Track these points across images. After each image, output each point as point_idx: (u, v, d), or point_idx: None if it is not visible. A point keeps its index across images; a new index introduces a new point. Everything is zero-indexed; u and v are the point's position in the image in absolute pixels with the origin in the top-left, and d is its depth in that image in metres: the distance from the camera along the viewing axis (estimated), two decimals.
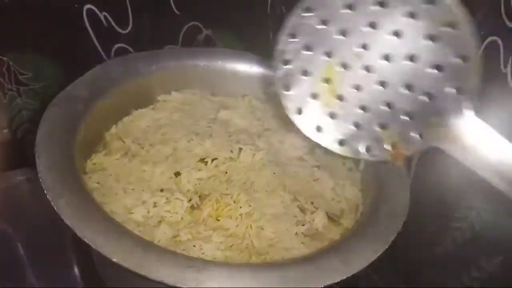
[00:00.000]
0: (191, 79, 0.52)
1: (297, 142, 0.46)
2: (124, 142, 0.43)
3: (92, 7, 0.52)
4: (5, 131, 0.57)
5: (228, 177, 0.40)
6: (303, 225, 0.37)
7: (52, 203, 0.30)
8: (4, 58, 0.51)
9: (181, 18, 0.59)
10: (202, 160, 0.41)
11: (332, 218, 0.38)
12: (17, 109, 0.55)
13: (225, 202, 0.38)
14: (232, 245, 0.35)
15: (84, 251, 0.45)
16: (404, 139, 0.32)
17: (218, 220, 0.37)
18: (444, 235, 0.52)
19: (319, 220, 0.37)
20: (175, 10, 0.58)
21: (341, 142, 0.35)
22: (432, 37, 0.28)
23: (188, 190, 0.39)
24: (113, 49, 0.57)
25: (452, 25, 0.27)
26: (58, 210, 0.30)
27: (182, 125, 0.45)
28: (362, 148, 0.35)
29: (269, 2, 0.64)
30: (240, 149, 0.43)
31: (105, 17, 0.53)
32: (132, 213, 0.36)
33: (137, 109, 0.47)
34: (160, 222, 0.36)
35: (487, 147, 0.29)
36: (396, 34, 0.29)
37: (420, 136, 0.32)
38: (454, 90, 0.29)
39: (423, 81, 0.30)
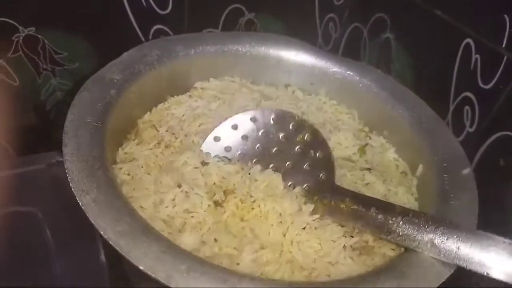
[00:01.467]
0: (231, 65, 0.48)
1: (344, 140, 0.42)
2: (158, 131, 0.40)
3: None
4: (39, 110, 0.55)
5: None
6: (352, 236, 0.32)
7: (77, 198, 0.27)
8: (39, 36, 0.49)
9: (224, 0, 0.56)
10: None
11: None
12: (52, 89, 0.53)
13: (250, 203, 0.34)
14: (268, 257, 0.31)
15: None
16: None
17: (243, 220, 0.33)
18: None
19: None
20: None
21: None
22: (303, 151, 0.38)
23: (214, 183, 0.35)
24: (152, 31, 0.53)
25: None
26: (83, 207, 0.27)
27: (220, 117, 0.41)
28: None
29: None
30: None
31: None
32: (158, 211, 0.33)
33: (173, 96, 0.45)
34: (183, 225, 0.32)
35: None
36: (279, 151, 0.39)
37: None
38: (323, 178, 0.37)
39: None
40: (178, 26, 0.55)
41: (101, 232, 0.26)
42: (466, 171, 0.36)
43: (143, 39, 0.54)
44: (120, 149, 0.38)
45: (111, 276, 0.48)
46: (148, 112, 0.42)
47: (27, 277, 0.45)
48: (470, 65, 0.46)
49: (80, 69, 0.53)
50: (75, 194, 0.27)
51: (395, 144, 0.43)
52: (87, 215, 0.27)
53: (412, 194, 0.38)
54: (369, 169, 0.39)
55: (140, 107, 0.42)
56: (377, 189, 0.37)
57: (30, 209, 0.51)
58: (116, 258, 0.45)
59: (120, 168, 0.36)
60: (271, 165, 0.38)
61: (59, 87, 0.53)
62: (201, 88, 0.46)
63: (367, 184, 0.37)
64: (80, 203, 0.27)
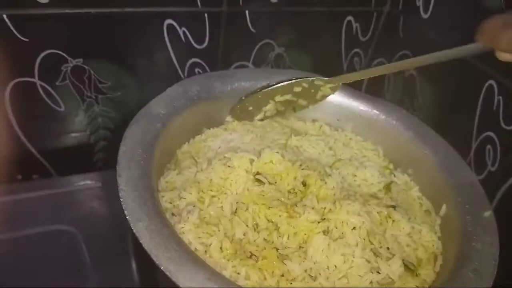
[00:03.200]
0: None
1: (370, 177, 0.44)
2: (197, 162, 0.42)
3: (173, 22, 0.53)
4: (80, 134, 0.59)
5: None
6: (378, 272, 0.34)
7: (131, 225, 0.30)
8: (86, 67, 0.53)
9: (256, 35, 0.59)
10: None
11: (408, 267, 0.36)
12: (94, 115, 0.57)
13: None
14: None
15: (146, 258, 0.46)
16: None
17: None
18: None
19: (396, 269, 0.35)
20: (250, 27, 0.58)
21: None
22: None
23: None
24: (188, 63, 0.57)
25: None
26: (137, 234, 0.30)
27: (253, 150, 0.44)
28: None
29: (344, 25, 0.63)
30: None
31: (184, 32, 0.54)
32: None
33: (208, 128, 0.48)
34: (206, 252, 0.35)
35: None
36: None
37: None
38: None
39: None
40: (212, 59, 0.58)
41: (154, 259, 0.28)
42: (488, 213, 0.38)
43: (180, 71, 0.58)
44: (161, 178, 0.41)
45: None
46: (186, 143, 0.45)
47: None
48: (493, 106, 0.47)
49: (121, 98, 0.56)
50: (130, 222, 0.30)
51: (419, 183, 0.45)
52: (141, 241, 0.29)
53: (436, 232, 0.40)
54: (394, 207, 0.40)
55: (179, 139, 0.45)
56: (402, 227, 0.39)
57: (69, 228, 0.54)
58: (149, 278, 0.47)
59: (163, 196, 0.38)
60: None
61: (101, 113, 0.57)
62: (235, 121, 0.49)
63: (393, 221, 0.39)
64: (134, 230, 0.30)
